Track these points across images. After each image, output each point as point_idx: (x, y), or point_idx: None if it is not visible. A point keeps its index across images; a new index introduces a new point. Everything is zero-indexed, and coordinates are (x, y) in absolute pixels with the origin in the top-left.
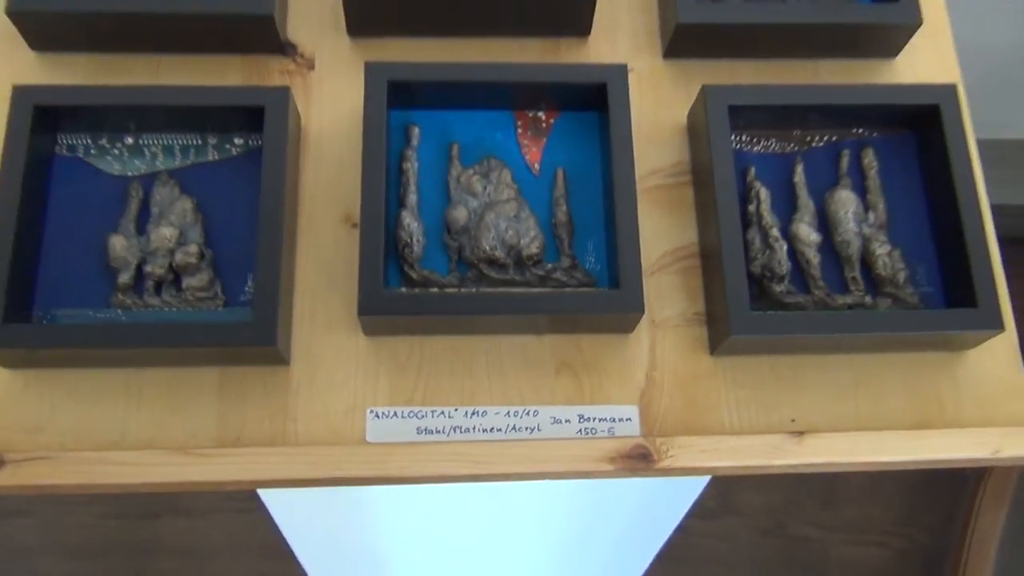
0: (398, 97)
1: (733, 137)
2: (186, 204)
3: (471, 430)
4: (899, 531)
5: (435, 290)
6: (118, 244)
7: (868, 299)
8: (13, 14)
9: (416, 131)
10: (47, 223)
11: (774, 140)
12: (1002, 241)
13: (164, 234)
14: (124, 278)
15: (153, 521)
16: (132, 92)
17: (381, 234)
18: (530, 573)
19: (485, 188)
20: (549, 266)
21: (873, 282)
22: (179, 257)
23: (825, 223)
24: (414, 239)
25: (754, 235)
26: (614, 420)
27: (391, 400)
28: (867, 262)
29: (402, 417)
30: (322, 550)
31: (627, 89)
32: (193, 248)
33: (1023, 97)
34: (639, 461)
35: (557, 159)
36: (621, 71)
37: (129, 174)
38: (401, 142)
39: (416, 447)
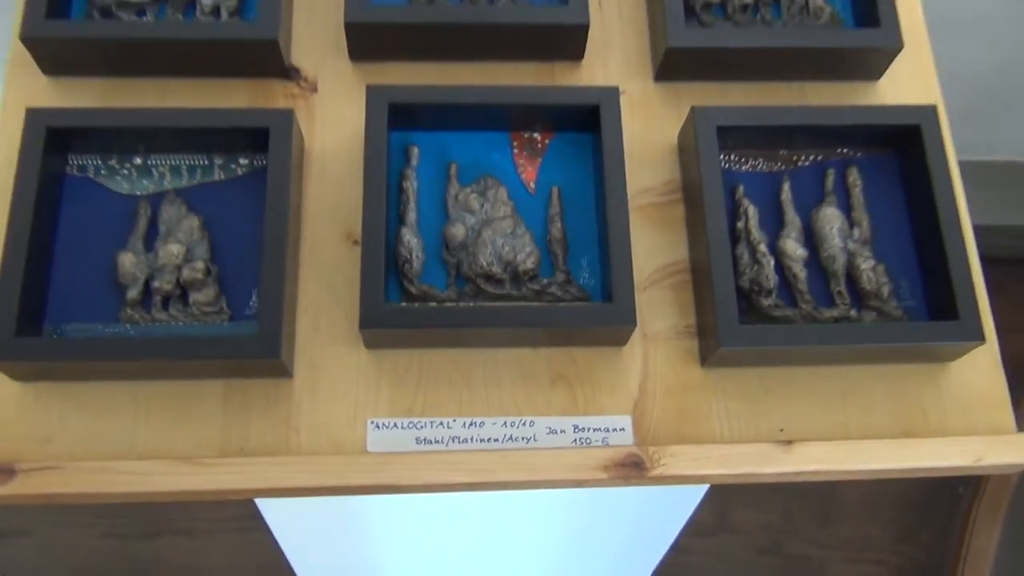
0: (398, 119)
1: (722, 156)
2: (193, 222)
3: (469, 440)
4: (896, 549)
5: (434, 304)
6: (127, 261)
7: (853, 312)
8: (27, 40)
9: (416, 151)
10: (58, 240)
11: (761, 159)
12: (994, 261)
13: (171, 251)
14: (132, 293)
15: (152, 541)
16: (141, 114)
17: (382, 250)
18: None
19: (482, 206)
20: (544, 281)
21: (858, 296)
22: (186, 273)
23: (811, 239)
24: (413, 255)
25: (743, 251)
26: (608, 430)
27: (391, 411)
28: (852, 276)
29: (402, 428)
30: (321, 564)
31: (619, 111)
32: (200, 264)
33: (1008, 119)
34: (632, 469)
35: (552, 178)
36: (613, 93)
37: (138, 193)
38: (401, 162)
39: (415, 456)
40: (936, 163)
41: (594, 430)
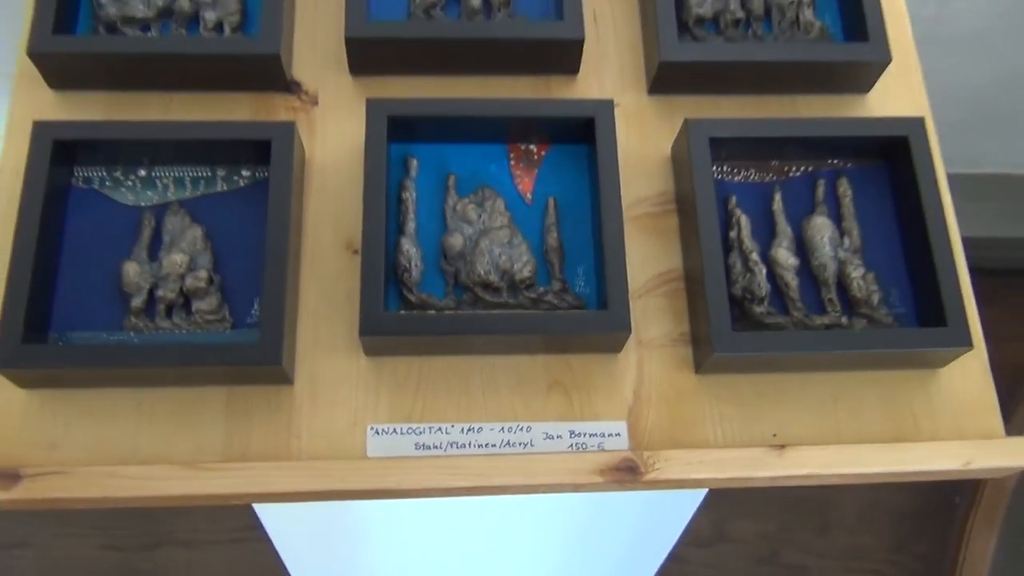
0: (397, 131)
1: (714, 168)
2: (196, 232)
3: (467, 445)
4: (892, 559)
5: (433, 312)
6: (131, 270)
7: (844, 319)
8: (34, 55)
9: (414, 163)
10: (64, 250)
11: (753, 170)
12: (989, 273)
13: (175, 260)
14: (137, 302)
15: (152, 552)
16: (145, 127)
17: (381, 260)
18: None
19: (480, 216)
20: (541, 289)
21: (849, 303)
22: (189, 282)
23: (802, 248)
24: (412, 264)
25: (735, 259)
26: (603, 435)
27: (391, 417)
28: (843, 284)
29: (401, 433)
30: (321, 574)
31: (613, 123)
32: (203, 273)
33: (1001, 132)
34: (627, 474)
35: (548, 189)
36: (608, 106)
37: (142, 204)
38: (400, 173)
39: (415, 461)
40: (924, 174)
41: (590, 435)
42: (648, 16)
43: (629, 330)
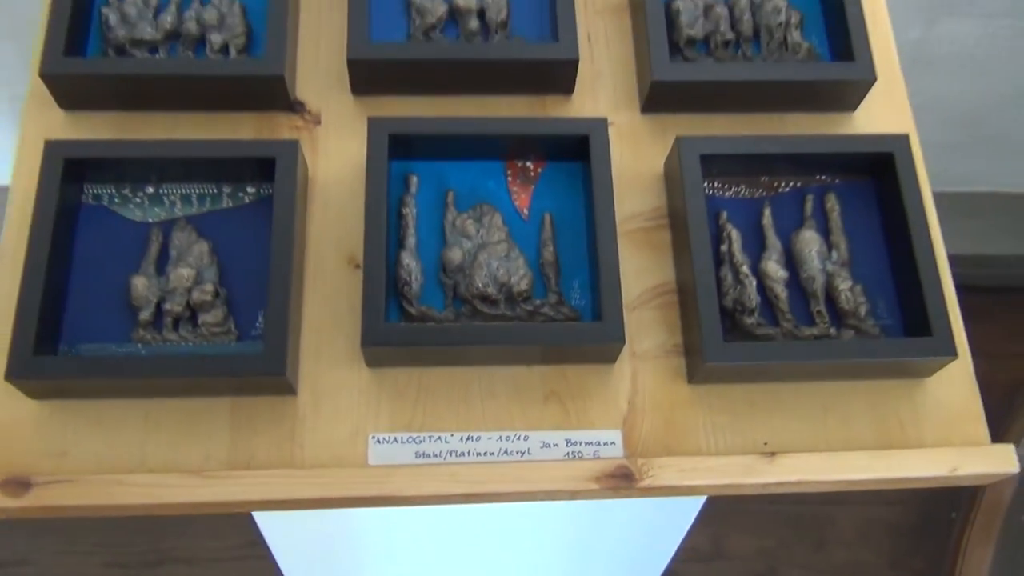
0: (398, 149)
1: (706, 184)
2: (202, 247)
3: (466, 454)
4: (890, 574)
5: (432, 324)
6: (139, 284)
7: (833, 330)
8: (45, 76)
9: (415, 180)
10: (74, 265)
11: (744, 186)
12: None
13: (182, 274)
14: (144, 315)
15: (154, 569)
16: (153, 146)
17: (382, 273)
18: None
19: (478, 231)
20: (537, 302)
21: (837, 315)
22: (196, 296)
23: (792, 261)
24: (412, 277)
25: (726, 272)
26: (599, 444)
27: (391, 426)
28: (831, 296)
29: (402, 442)
30: None
31: (607, 141)
32: (209, 287)
33: (991, 152)
34: (622, 481)
35: (544, 205)
36: (602, 124)
37: (150, 220)
38: (401, 189)
39: (415, 469)
40: (909, 189)
41: (586, 444)
42: (640, 37)
43: (623, 341)
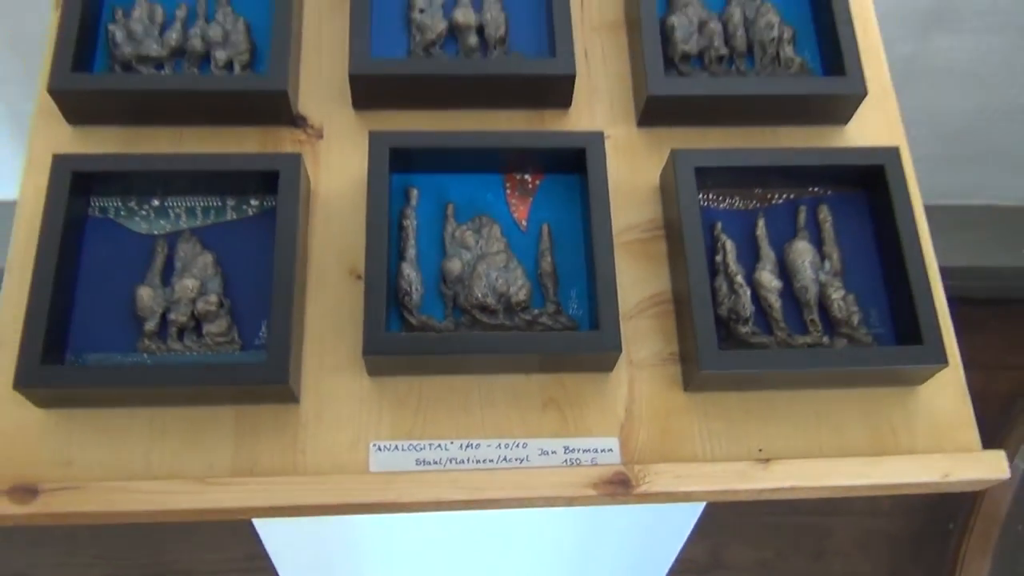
0: (398, 162)
1: (700, 196)
2: (207, 259)
3: (465, 461)
4: None
5: (433, 333)
6: (145, 295)
7: (826, 339)
8: (53, 92)
9: (415, 192)
10: (80, 276)
11: (738, 198)
12: (976, 302)
13: (187, 285)
14: (150, 325)
15: None
16: (159, 160)
17: (383, 284)
18: None
19: (477, 242)
20: (536, 312)
21: (830, 324)
22: (200, 306)
23: (785, 271)
24: (413, 288)
25: (721, 282)
26: (596, 451)
27: (392, 434)
28: (824, 306)
29: (402, 450)
30: None
31: (604, 154)
32: (213, 298)
33: (987, 164)
34: (619, 487)
35: (542, 216)
36: (598, 138)
37: (155, 233)
38: (401, 202)
39: (415, 476)
40: (900, 200)
41: (583, 451)
42: (636, 53)
43: (620, 350)
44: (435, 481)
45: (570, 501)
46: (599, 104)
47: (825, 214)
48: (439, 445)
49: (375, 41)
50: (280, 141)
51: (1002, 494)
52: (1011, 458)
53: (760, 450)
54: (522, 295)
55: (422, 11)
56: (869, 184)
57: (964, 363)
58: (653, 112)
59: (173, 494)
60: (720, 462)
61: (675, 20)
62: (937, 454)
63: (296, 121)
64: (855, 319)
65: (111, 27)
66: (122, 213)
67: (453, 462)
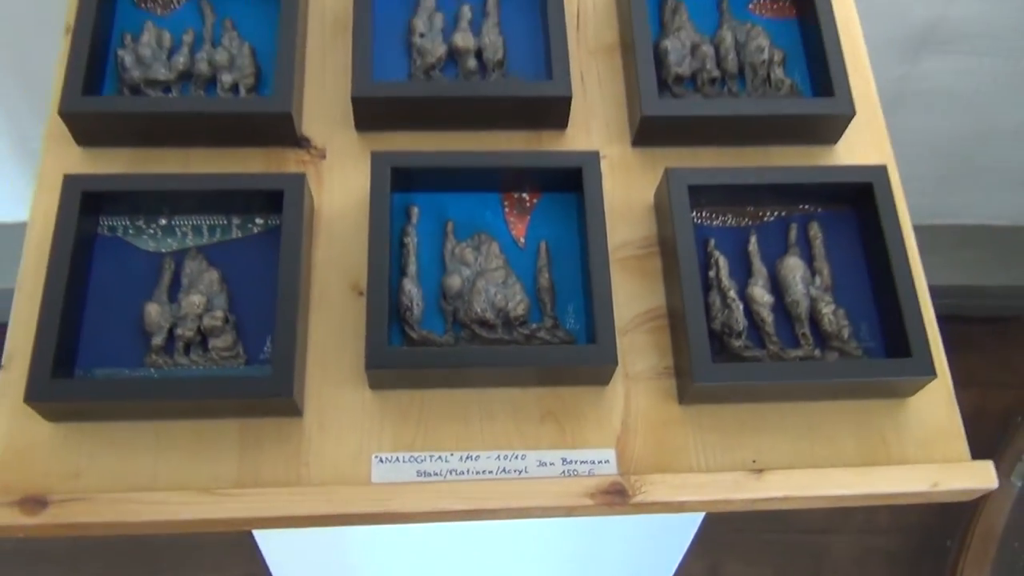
0: (400, 181)
1: (694, 213)
2: (213, 275)
3: (466, 472)
4: None
5: (433, 348)
6: (152, 311)
7: (817, 352)
8: (64, 114)
9: (416, 211)
10: (90, 293)
11: (730, 215)
12: (971, 320)
13: (193, 301)
14: (157, 340)
15: None
16: (166, 179)
17: (385, 300)
18: None
19: (476, 259)
20: (534, 326)
21: (821, 337)
22: (206, 321)
23: (777, 286)
24: (414, 303)
25: (714, 297)
26: (593, 462)
27: (394, 446)
28: (815, 320)
29: (403, 461)
30: None
31: (600, 173)
32: (219, 313)
33: (981, 184)
34: (616, 497)
35: (540, 233)
36: (594, 157)
37: (162, 251)
38: (402, 220)
39: (416, 486)
40: (887, 217)
41: (581, 462)
42: (631, 75)
43: (616, 363)
44: (436, 492)
45: (568, 511)
46: (595, 125)
47: (815, 231)
48: (440, 457)
49: (377, 65)
50: (284, 162)
51: (999, 511)
52: (1007, 475)
53: (754, 461)
54: (520, 310)
55: (422, 36)
56: (858, 201)
57: (960, 381)
58: (647, 132)
59: (179, 505)
60: (714, 473)
61: (668, 44)
62: (927, 464)
63: (300, 142)
64: (845, 333)
65: (120, 52)
66: (130, 232)
67: (453, 473)
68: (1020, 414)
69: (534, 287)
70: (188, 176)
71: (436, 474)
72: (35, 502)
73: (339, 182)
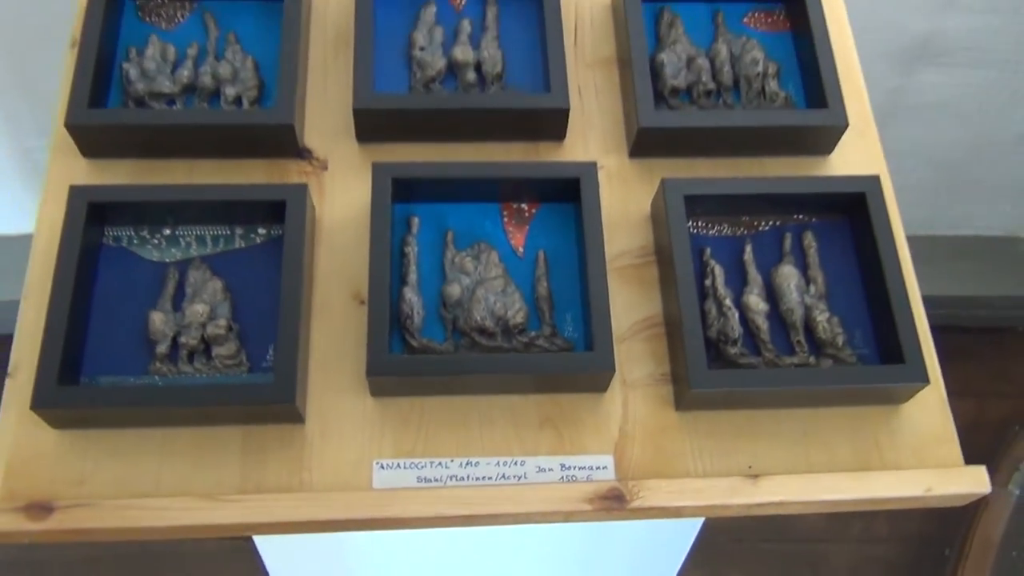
0: (400, 192)
1: (690, 223)
2: (216, 285)
3: (465, 478)
4: None
5: (433, 355)
6: (157, 319)
7: (811, 359)
8: (70, 127)
9: (416, 221)
10: (95, 302)
11: (726, 225)
12: (969, 331)
13: (197, 310)
14: (161, 348)
15: None
16: (170, 190)
17: (386, 308)
18: None
19: (476, 268)
20: (532, 334)
21: (815, 345)
22: (210, 330)
23: (772, 294)
24: (414, 312)
25: (710, 305)
26: (592, 468)
27: (395, 453)
28: (810, 327)
29: (404, 468)
30: None
31: (597, 183)
32: (222, 322)
33: (978, 196)
34: (614, 502)
35: (538, 243)
36: (592, 168)
37: (167, 260)
38: (403, 230)
39: (417, 492)
40: (880, 226)
41: (579, 468)
42: (627, 87)
43: (613, 370)
44: (436, 498)
45: (567, 516)
46: (592, 136)
47: (810, 240)
48: (440, 463)
49: (378, 77)
50: (287, 172)
51: (997, 520)
52: (1004, 484)
53: (749, 467)
54: (519, 318)
55: (422, 49)
56: (852, 211)
57: (957, 391)
58: (644, 144)
59: (183, 511)
60: (711, 478)
61: (664, 57)
62: (920, 469)
63: (302, 153)
64: (840, 340)
65: (125, 65)
66: (135, 242)
67: (453, 479)
68: (1017, 423)
69: (533, 296)
70: (192, 187)
71: (436, 480)
72: (41, 508)
73: (340, 193)
